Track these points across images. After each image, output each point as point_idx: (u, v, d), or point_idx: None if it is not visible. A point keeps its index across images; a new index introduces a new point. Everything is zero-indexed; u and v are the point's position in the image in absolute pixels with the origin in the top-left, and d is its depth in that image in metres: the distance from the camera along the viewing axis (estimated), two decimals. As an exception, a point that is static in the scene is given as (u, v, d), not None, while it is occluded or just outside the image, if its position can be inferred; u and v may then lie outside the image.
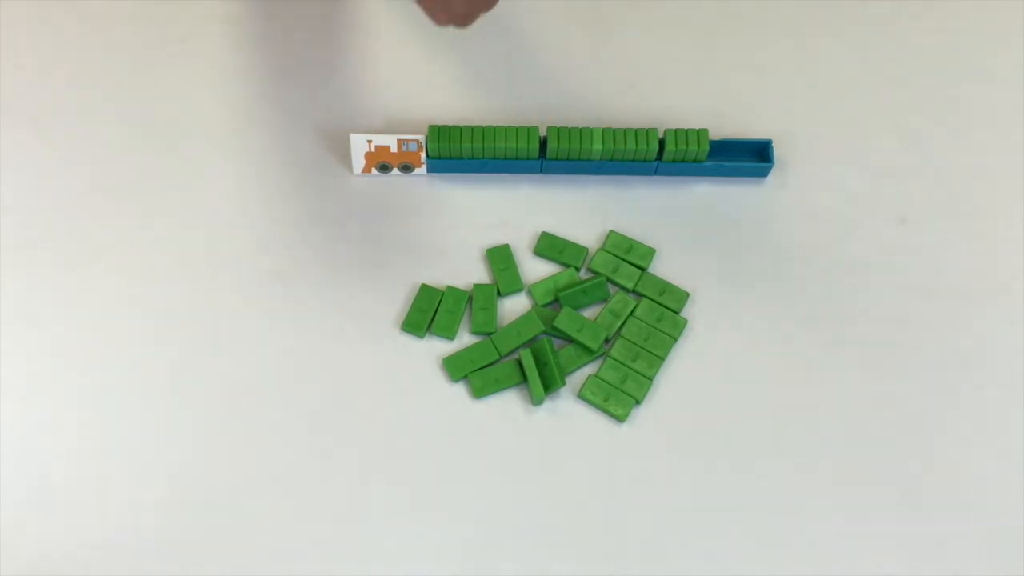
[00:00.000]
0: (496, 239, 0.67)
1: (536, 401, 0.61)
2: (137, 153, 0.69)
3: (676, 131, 0.66)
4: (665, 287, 0.65)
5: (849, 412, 0.62)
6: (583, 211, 0.68)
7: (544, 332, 0.64)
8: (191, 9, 0.74)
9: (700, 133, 0.66)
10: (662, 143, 0.66)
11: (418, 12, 0.56)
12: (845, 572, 0.58)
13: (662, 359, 0.63)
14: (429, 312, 0.64)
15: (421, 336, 0.64)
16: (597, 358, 0.63)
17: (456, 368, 0.62)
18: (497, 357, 0.63)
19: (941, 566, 0.58)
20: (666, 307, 0.64)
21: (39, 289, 0.64)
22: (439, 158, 0.67)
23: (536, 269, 0.66)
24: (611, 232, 0.67)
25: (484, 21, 0.74)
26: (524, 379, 0.62)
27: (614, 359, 0.63)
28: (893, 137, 0.71)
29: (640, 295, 0.65)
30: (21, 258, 0.65)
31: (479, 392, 0.62)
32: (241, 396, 0.62)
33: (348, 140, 0.66)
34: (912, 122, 0.71)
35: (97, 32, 0.73)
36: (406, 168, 0.68)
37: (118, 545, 0.58)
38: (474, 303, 0.64)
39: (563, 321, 0.63)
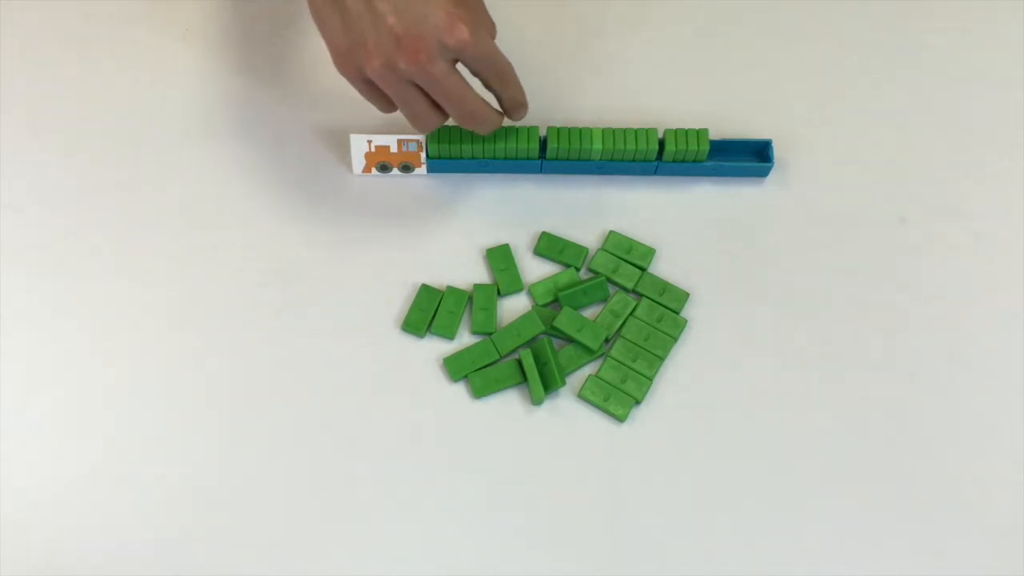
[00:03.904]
0: (496, 239, 0.67)
1: (536, 401, 0.61)
2: (137, 153, 0.69)
3: (676, 131, 0.66)
4: (665, 287, 0.65)
5: (848, 412, 0.62)
6: (583, 211, 0.68)
7: (544, 332, 0.64)
8: (190, 9, 0.74)
9: (700, 133, 0.66)
10: (662, 143, 0.66)
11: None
12: (845, 572, 0.58)
13: (662, 359, 0.63)
14: (429, 312, 0.64)
15: (421, 336, 0.64)
16: (597, 358, 0.63)
17: (456, 368, 0.62)
18: (497, 357, 0.63)
19: (942, 566, 0.58)
20: (666, 307, 0.64)
21: (39, 289, 0.64)
22: (439, 158, 0.67)
23: (536, 269, 0.66)
24: (611, 232, 0.67)
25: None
26: (524, 379, 0.62)
27: (614, 359, 0.63)
28: (893, 137, 0.71)
29: (640, 295, 0.65)
30: (20, 258, 0.65)
31: (479, 392, 0.62)
32: (240, 396, 0.62)
33: (348, 140, 0.66)
34: (912, 122, 0.71)
35: (96, 32, 0.72)
36: (406, 168, 0.68)
37: (115, 544, 0.58)
38: (474, 303, 0.64)
39: (563, 321, 0.63)
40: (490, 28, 0.58)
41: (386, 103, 0.59)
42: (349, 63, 0.56)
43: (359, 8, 0.54)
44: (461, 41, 0.54)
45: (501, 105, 0.62)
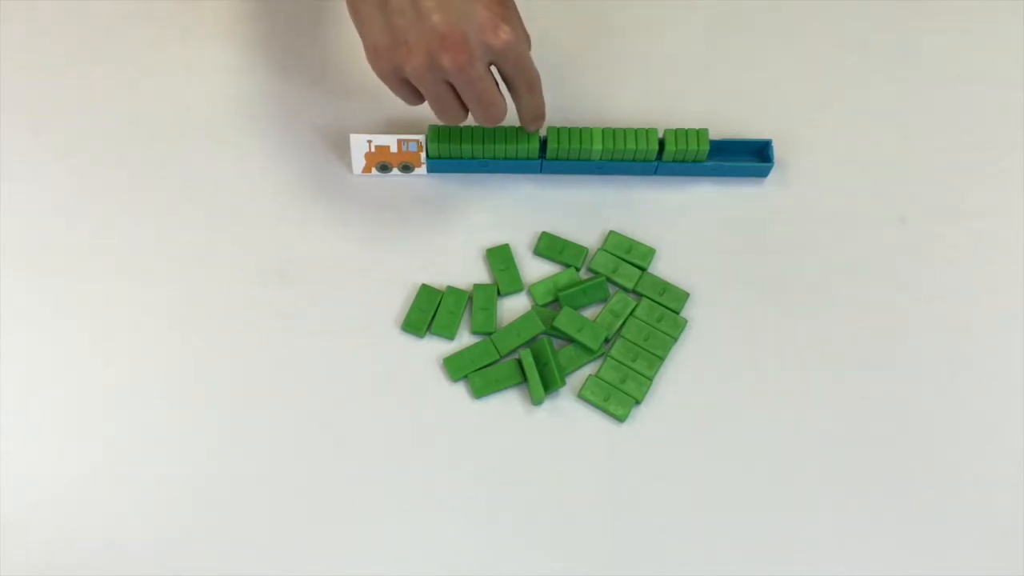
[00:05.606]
0: (496, 239, 0.67)
1: (536, 401, 0.61)
2: (137, 153, 0.69)
3: (676, 131, 0.66)
4: (665, 287, 0.65)
5: (848, 412, 0.62)
6: (583, 211, 0.68)
7: (544, 332, 0.64)
8: (191, 9, 0.74)
9: (700, 133, 0.66)
10: (662, 143, 0.66)
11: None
12: (845, 572, 0.58)
13: (662, 359, 0.63)
14: (429, 312, 0.64)
15: (421, 336, 0.64)
16: (597, 358, 0.63)
17: (456, 368, 0.62)
18: (497, 357, 0.63)
19: (942, 566, 0.58)
20: (666, 307, 0.64)
21: (39, 289, 0.64)
22: (439, 158, 0.67)
23: (536, 269, 0.66)
24: (611, 232, 0.67)
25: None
26: (524, 379, 0.62)
27: (614, 359, 0.63)
28: (893, 137, 0.71)
29: (640, 295, 0.65)
30: (20, 258, 0.65)
31: (479, 392, 0.62)
32: (241, 396, 0.62)
33: (348, 140, 0.66)
34: (912, 122, 0.71)
35: (97, 32, 0.73)
36: (406, 168, 0.68)
37: (115, 544, 0.58)
38: (474, 303, 0.64)
39: (563, 321, 0.63)
40: (526, 37, 0.57)
41: (416, 98, 0.59)
42: (387, 61, 0.55)
43: (403, 5, 0.53)
44: (504, 42, 0.54)
45: (520, 113, 0.61)
